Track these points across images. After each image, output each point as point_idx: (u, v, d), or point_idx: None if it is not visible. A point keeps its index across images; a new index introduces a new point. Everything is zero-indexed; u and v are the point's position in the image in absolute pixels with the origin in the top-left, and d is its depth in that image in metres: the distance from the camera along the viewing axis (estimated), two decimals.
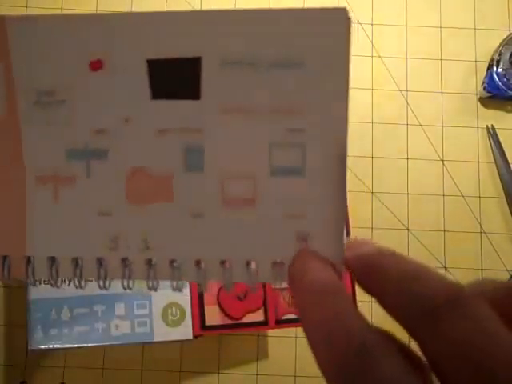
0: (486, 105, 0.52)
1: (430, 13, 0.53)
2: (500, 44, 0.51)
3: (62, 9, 0.52)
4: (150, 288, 0.19)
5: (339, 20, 0.18)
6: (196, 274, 0.19)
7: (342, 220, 0.18)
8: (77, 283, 0.19)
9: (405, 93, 0.52)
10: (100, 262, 0.19)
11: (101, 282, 0.19)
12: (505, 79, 0.50)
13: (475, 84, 0.52)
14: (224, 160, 0.18)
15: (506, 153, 0.51)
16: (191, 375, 0.47)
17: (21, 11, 0.52)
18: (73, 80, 0.18)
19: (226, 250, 0.19)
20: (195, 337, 0.42)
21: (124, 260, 0.19)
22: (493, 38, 0.52)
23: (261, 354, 0.47)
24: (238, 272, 0.18)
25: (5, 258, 0.19)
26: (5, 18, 0.18)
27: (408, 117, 0.51)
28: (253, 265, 0.19)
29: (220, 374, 0.47)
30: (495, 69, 0.50)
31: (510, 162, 0.51)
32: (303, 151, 0.18)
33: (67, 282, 0.20)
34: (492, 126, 0.51)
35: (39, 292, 0.42)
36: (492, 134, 0.51)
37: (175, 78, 0.18)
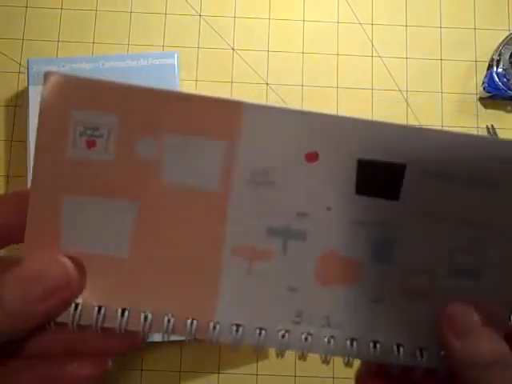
0: (486, 105, 0.52)
1: (430, 13, 0.53)
2: (500, 44, 0.51)
3: (61, 8, 0.52)
4: (323, 362, 0.21)
5: None
6: (372, 354, 0.21)
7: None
8: (258, 351, 0.21)
9: (405, 93, 0.52)
10: (283, 333, 0.21)
11: (279, 352, 0.21)
12: (505, 79, 0.50)
13: (475, 84, 0.52)
14: (409, 255, 0.21)
15: None
16: (191, 375, 0.47)
17: (21, 11, 0.52)
18: (288, 167, 0.20)
19: (401, 335, 0.21)
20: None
21: (305, 334, 0.21)
22: (493, 38, 0.52)
23: (261, 353, 0.47)
24: (410, 357, 0.21)
25: (192, 321, 0.21)
26: (243, 104, 0.20)
27: (408, 117, 0.51)
28: (423, 352, 0.21)
29: (220, 374, 0.47)
30: (495, 69, 0.50)
31: None
32: (482, 258, 0.21)
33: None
34: (492, 126, 0.51)
35: None
36: (492, 133, 0.51)
37: (380, 179, 0.20)
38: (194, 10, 0.53)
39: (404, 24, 0.53)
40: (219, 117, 0.20)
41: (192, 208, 0.21)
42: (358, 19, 0.53)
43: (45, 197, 0.20)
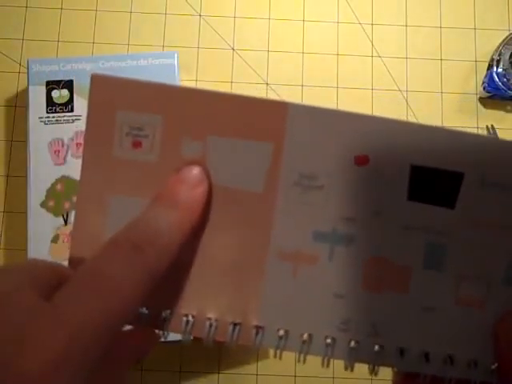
0: (486, 105, 0.52)
1: (430, 13, 0.53)
2: (500, 44, 0.51)
3: (61, 8, 0.52)
4: (371, 372, 0.20)
5: None
6: (423, 366, 0.20)
7: None
8: (302, 358, 0.20)
9: (405, 93, 0.52)
10: (329, 341, 0.20)
11: (325, 360, 0.20)
12: (505, 79, 0.50)
13: (475, 84, 0.52)
14: (462, 264, 0.20)
15: None
16: (191, 375, 0.47)
17: (21, 11, 0.52)
18: (336, 170, 0.20)
19: (453, 346, 0.20)
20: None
21: (352, 342, 0.20)
22: (493, 37, 0.52)
23: (261, 353, 0.47)
24: (462, 368, 0.20)
25: (236, 324, 0.20)
26: (288, 104, 0.20)
27: (408, 117, 0.51)
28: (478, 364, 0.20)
29: (220, 374, 0.47)
30: (495, 69, 0.50)
31: None
32: None
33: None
34: (492, 125, 0.51)
35: None
36: (492, 133, 0.51)
37: (435, 186, 0.20)
38: (194, 10, 0.53)
39: (404, 24, 0.53)
40: (264, 117, 0.20)
41: (236, 210, 0.20)
42: (358, 19, 0.53)
43: (91, 195, 0.20)
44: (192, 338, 0.21)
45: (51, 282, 0.17)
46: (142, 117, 0.20)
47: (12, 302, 0.16)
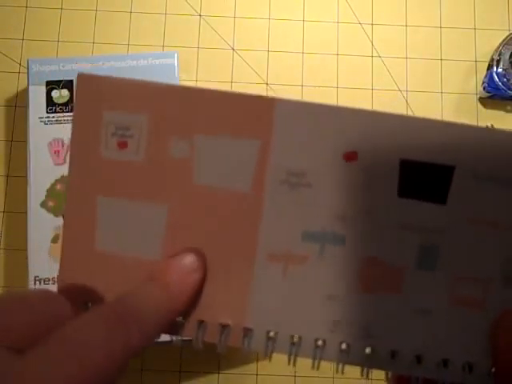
0: (486, 105, 0.52)
1: (430, 13, 0.53)
2: (500, 44, 0.51)
3: (61, 8, 0.52)
4: (363, 375, 0.19)
5: None
6: (416, 369, 0.19)
7: None
8: (292, 360, 0.20)
9: (405, 93, 0.52)
10: (319, 343, 0.20)
11: (315, 362, 0.20)
12: (505, 79, 0.50)
13: (475, 84, 0.52)
14: (457, 263, 0.19)
15: None
16: (191, 375, 0.47)
17: (21, 11, 0.52)
18: (324, 167, 0.19)
19: (449, 349, 0.19)
20: None
21: (343, 344, 0.19)
22: (493, 37, 0.52)
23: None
24: (457, 372, 0.19)
25: (224, 326, 0.20)
26: (275, 100, 0.19)
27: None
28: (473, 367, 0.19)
29: (220, 374, 0.47)
30: (495, 69, 0.50)
31: None
32: None
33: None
34: (492, 125, 0.51)
35: None
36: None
37: (425, 181, 0.19)
38: (194, 10, 0.53)
39: (404, 24, 0.53)
40: (251, 114, 0.19)
41: (224, 210, 0.20)
42: (358, 19, 0.53)
43: (80, 197, 0.20)
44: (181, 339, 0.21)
45: (26, 332, 0.17)
46: (127, 116, 0.20)
47: None
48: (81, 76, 0.20)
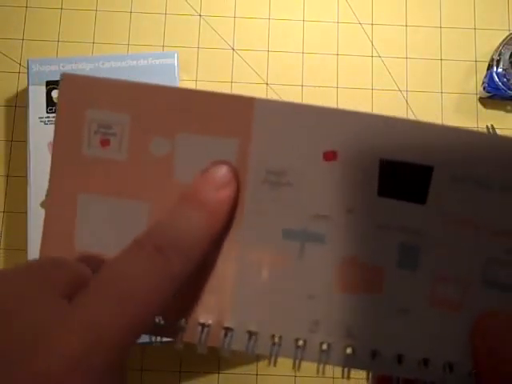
0: (486, 105, 0.52)
1: (430, 13, 0.53)
2: (500, 44, 0.51)
3: (61, 8, 0.52)
4: (343, 376, 0.19)
5: None
6: (396, 369, 0.19)
7: None
8: (272, 360, 0.20)
9: (405, 93, 0.52)
10: (300, 343, 0.19)
11: (297, 362, 0.19)
12: (505, 79, 0.50)
13: (475, 84, 0.52)
14: (437, 263, 0.19)
15: None
16: (191, 375, 0.47)
17: (21, 11, 0.52)
18: (304, 166, 0.19)
19: (428, 349, 0.19)
20: None
21: (323, 344, 0.19)
22: (493, 37, 0.52)
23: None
24: (437, 372, 0.19)
25: (204, 325, 0.20)
26: (255, 99, 0.19)
27: (408, 117, 0.51)
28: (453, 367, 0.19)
29: (220, 374, 0.47)
30: (495, 69, 0.50)
31: None
32: None
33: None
34: (492, 125, 0.51)
35: None
36: (492, 133, 0.51)
37: (404, 181, 0.19)
38: (194, 10, 0.53)
39: (404, 24, 0.53)
40: (231, 113, 0.19)
41: None
42: (358, 19, 0.53)
43: (61, 194, 0.20)
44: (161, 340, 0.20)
45: (72, 282, 0.17)
46: (110, 115, 0.20)
47: (34, 302, 0.16)
48: (64, 76, 0.20)
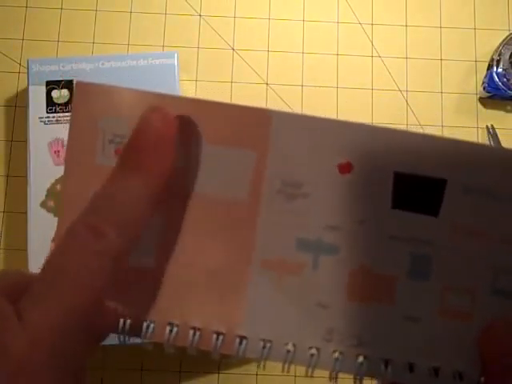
0: (486, 105, 0.52)
1: (430, 13, 0.53)
2: (500, 44, 0.51)
3: (61, 8, 0.52)
4: (355, 382, 0.20)
5: None
6: (408, 377, 0.19)
7: None
8: (286, 367, 0.20)
9: (405, 93, 0.52)
10: (313, 351, 0.20)
11: (310, 370, 0.20)
12: (505, 79, 0.50)
13: (475, 84, 0.52)
14: (448, 273, 0.20)
15: None
16: (191, 375, 0.47)
17: (21, 11, 0.52)
18: (320, 178, 0.20)
19: (439, 358, 0.19)
20: None
21: (336, 353, 0.20)
22: (493, 37, 0.52)
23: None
24: (447, 380, 0.19)
25: (219, 334, 0.20)
26: (272, 112, 0.19)
27: (408, 117, 0.51)
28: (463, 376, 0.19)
29: (220, 374, 0.47)
30: (495, 69, 0.50)
31: None
32: None
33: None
34: (492, 125, 0.51)
35: None
36: (492, 133, 0.51)
37: (418, 194, 0.19)
38: (194, 10, 0.53)
39: (404, 24, 0.53)
40: (248, 125, 0.20)
41: (220, 219, 0.20)
42: (358, 19, 0.53)
43: (75, 204, 0.20)
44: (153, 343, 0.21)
45: (19, 286, 0.17)
46: (125, 124, 0.20)
47: None
48: (79, 83, 0.20)
